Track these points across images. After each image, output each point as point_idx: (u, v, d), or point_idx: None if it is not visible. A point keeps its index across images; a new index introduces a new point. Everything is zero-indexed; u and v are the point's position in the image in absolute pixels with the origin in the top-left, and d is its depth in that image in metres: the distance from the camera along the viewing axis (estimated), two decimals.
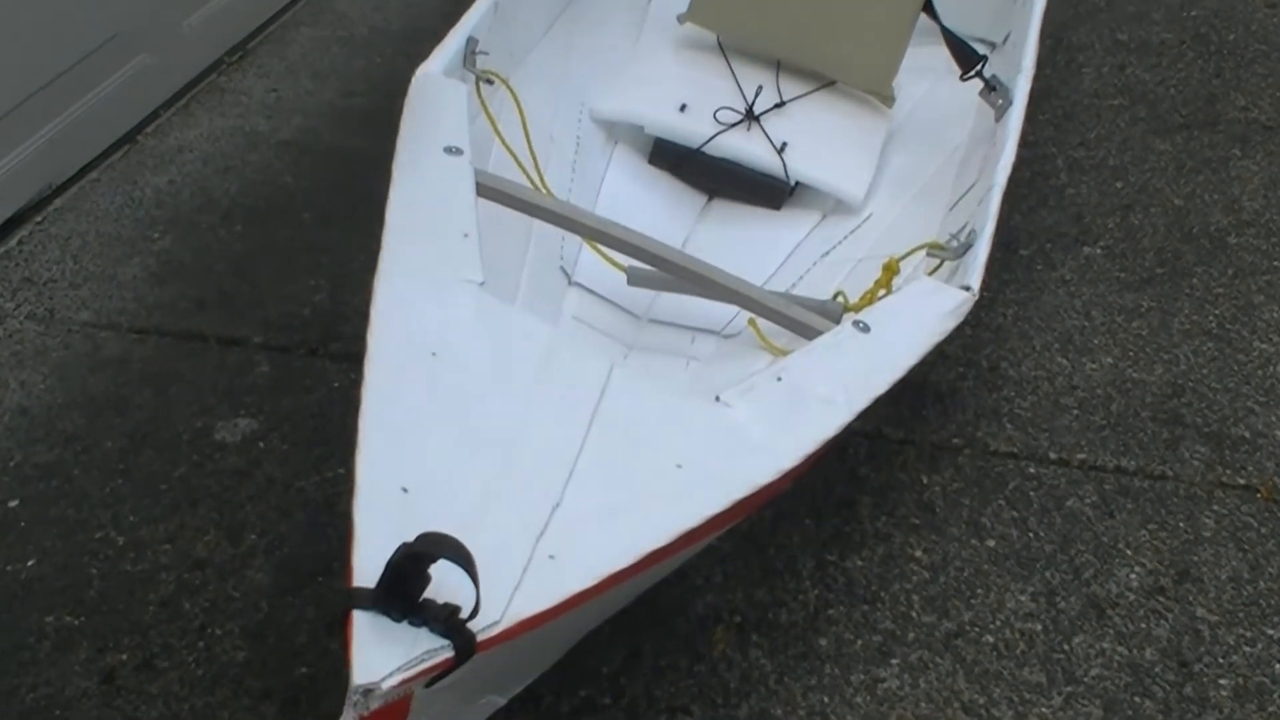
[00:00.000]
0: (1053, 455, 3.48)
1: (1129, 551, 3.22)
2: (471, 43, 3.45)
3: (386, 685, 1.75)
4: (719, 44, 4.15)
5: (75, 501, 3.28)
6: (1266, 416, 3.60)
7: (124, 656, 2.93)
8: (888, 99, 4.07)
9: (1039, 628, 3.05)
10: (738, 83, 4.05)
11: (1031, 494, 3.36)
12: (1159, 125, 4.84)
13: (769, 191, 3.98)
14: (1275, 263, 4.16)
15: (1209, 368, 3.76)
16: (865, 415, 2.56)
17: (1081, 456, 3.48)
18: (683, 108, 4.02)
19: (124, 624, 2.99)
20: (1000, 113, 3.65)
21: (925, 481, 3.39)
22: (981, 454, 3.47)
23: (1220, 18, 5.51)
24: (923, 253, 3.23)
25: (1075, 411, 3.61)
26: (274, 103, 4.96)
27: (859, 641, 3.00)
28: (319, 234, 4.23)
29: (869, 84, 4.04)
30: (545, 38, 4.02)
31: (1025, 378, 3.72)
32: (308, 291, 3.97)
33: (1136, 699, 2.90)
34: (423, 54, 3.32)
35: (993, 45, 4.35)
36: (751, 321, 3.37)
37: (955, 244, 3.15)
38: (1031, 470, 3.43)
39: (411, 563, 1.77)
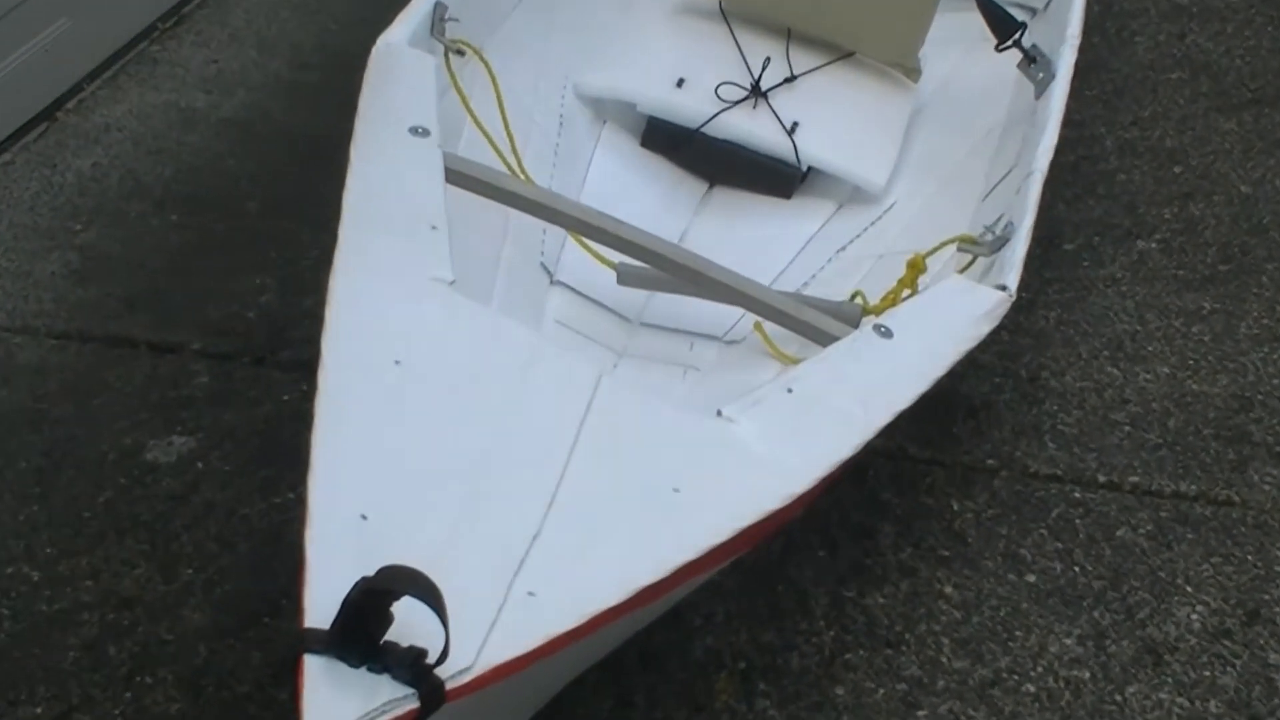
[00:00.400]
0: (1101, 478, 3.49)
1: (1190, 588, 3.23)
2: (440, 8, 3.46)
3: None
4: (721, 10, 4.16)
5: None
6: None
7: (38, 710, 2.93)
8: (913, 72, 4.08)
9: (1087, 675, 3.06)
10: (742, 54, 4.07)
11: (1077, 522, 3.38)
12: (1224, 101, 4.86)
13: (777, 178, 4.00)
14: None
15: None
16: (887, 432, 2.58)
17: (1135, 479, 3.49)
18: (680, 83, 4.03)
19: (39, 672, 2.99)
20: (1041, 88, 3.67)
21: (956, 508, 3.40)
22: (1020, 476, 3.49)
23: None
24: (952, 247, 3.24)
25: (1127, 428, 3.62)
26: (214, 75, 4.97)
27: (881, 690, 3.02)
28: (266, 225, 4.24)
29: (891, 55, 4.06)
30: (524, 2, 4.03)
31: (1070, 390, 3.73)
32: (253, 291, 3.98)
33: None
34: (385, 20, 3.34)
35: (1033, 11, 4.37)
36: (757, 325, 3.38)
37: (990, 238, 3.16)
38: (1077, 495, 3.44)
39: (372, 600, 1.77)
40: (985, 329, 2.85)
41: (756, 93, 4.00)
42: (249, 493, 3.36)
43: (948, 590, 3.21)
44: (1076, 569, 3.26)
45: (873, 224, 3.85)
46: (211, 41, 5.16)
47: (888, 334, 2.71)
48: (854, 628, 3.13)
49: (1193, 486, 3.47)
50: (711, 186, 4.09)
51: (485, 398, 2.32)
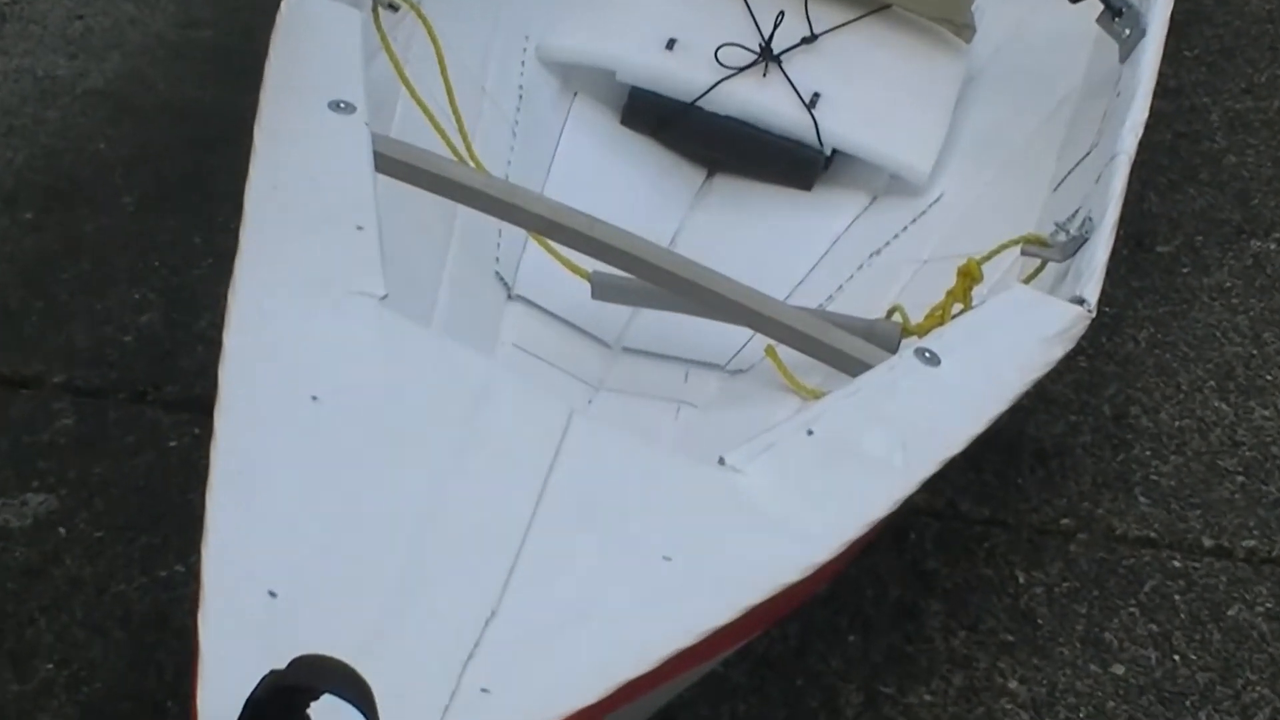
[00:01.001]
0: (1207, 542, 3.51)
1: None
2: None
3: None
4: None
5: None
6: None
7: None
8: (964, 29, 4.11)
9: None
10: (749, 7, 4.09)
11: (1177, 598, 3.40)
12: None
13: (794, 164, 4.03)
14: None
15: None
16: (934, 485, 2.59)
17: (1250, 544, 3.51)
18: (670, 44, 4.06)
19: None
20: (1128, 48, 3.69)
21: (1022, 580, 3.42)
22: (1103, 540, 3.51)
23: None
24: (1015, 250, 3.26)
25: (1240, 479, 3.65)
26: (80, 35, 4.98)
27: None
28: (147, 225, 4.25)
29: (937, 7, 4.08)
30: None
31: (1166, 430, 3.75)
32: (131, 309, 3.99)
33: None
34: None
35: None
36: (769, 350, 3.39)
37: (1063, 238, 3.18)
38: (1176, 564, 3.46)
39: (283, 699, 1.78)
40: (1058, 353, 2.85)
41: (767, 56, 4.03)
42: (126, 565, 3.37)
43: (1012, 685, 3.23)
44: (1177, 658, 3.29)
45: (914, 221, 3.88)
46: None
47: (934, 360, 2.71)
48: None
49: None
50: (711, 175, 4.12)
51: (426, 443, 2.32)
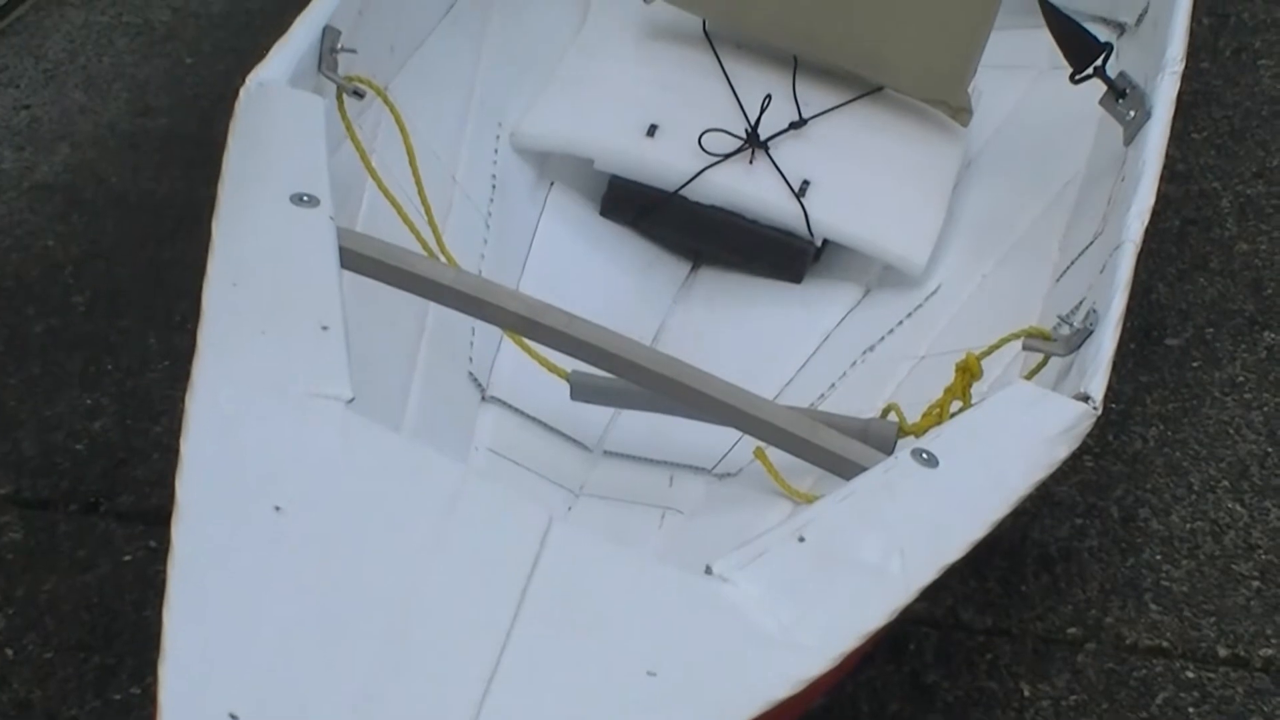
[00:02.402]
0: (1223, 651, 3.51)
1: None
2: (331, 35, 3.48)
3: None
4: (705, 33, 4.23)
5: None
6: None
7: None
8: (961, 113, 4.13)
9: None
10: (734, 91, 4.13)
11: (1191, 711, 3.39)
12: None
13: (783, 255, 4.05)
14: None
15: None
16: (933, 592, 2.60)
17: (1268, 653, 3.51)
18: (652, 130, 4.09)
19: None
20: (1133, 130, 3.72)
21: (1027, 694, 3.42)
22: (1113, 650, 3.50)
23: None
24: (1017, 345, 3.27)
25: (1256, 584, 3.65)
26: (26, 126, 5.00)
27: None
28: (99, 327, 4.25)
29: (932, 90, 4.11)
30: (441, 26, 4.06)
31: (1178, 533, 3.76)
32: (82, 414, 3.99)
33: None
34: (257, 51, 3.36)
35: (1121, 28, 4.43)
36: (759, 453, 3.40)
37: (1066, 331, 3.19)
38: (1190, 674, 3.46)
39: None
40: (1062, 453, 2.86)
41: (754, 142, 4.06)
42: (78, 688, 3.35)
43: None
44: None
45: (910, 315, 3.90)
46: (21, 79, 5.20)
47: (932, 461, 2.72)
48: None
49: None
50: (695, 268, 4.14)
51: (396, 554, 2.32)
